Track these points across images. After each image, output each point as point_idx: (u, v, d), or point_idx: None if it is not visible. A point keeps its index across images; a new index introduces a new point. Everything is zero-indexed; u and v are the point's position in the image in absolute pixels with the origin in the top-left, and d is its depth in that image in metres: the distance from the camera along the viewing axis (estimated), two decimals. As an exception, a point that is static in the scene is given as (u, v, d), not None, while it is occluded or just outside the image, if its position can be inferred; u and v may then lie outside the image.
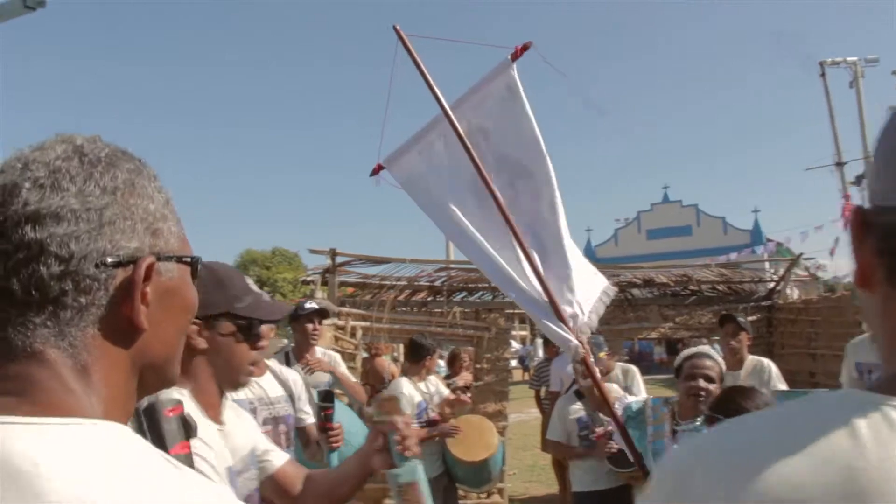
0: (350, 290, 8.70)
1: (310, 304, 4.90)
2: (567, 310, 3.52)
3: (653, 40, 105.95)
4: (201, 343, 1.82)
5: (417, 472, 1.97)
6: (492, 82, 3.92)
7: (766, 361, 5.40)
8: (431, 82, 3.86)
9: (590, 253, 40.59)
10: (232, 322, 1.85)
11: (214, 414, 1.86)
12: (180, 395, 1.75)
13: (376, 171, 4.06)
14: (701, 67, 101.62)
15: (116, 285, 0.78)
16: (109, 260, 0.77)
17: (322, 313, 4.91)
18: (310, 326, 4.83)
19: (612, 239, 43.50)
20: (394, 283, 8.52)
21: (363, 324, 7.97)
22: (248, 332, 1.88)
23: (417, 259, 8.62)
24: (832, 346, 8.27)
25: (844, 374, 4.74)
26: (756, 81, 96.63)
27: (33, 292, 0.76)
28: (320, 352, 5.08)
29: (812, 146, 69.40)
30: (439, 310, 8.53)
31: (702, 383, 3.39)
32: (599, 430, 4.71)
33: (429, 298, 8.77)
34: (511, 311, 8.67)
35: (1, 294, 0.76)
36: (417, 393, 5.67)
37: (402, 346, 9.55)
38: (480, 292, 8.92)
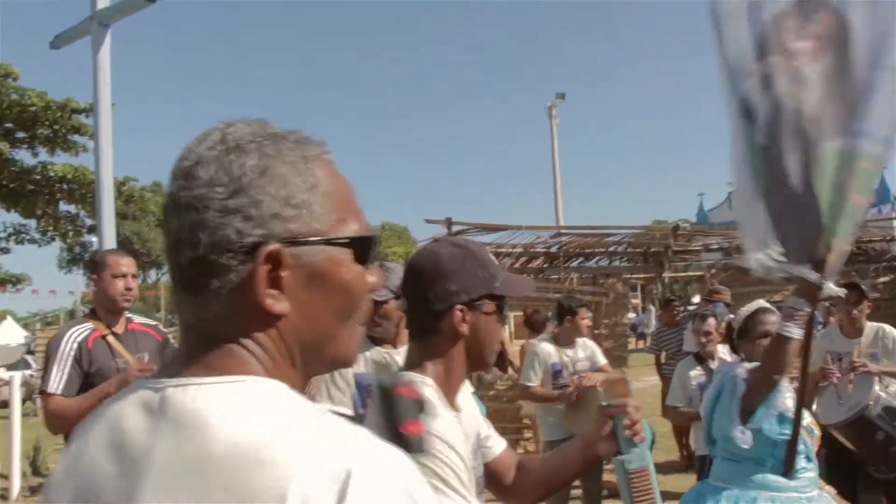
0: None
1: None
2: None
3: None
4: (465, 329, 1.71)
5: (647, 458, 1.83)
6: None
7: (888, 328, 5.29)
8: None
9: (702, 217, 39.40)
10: (492, 301, 1.77)
11: (453, 400, 1.75)
12: (423, 384, 1.68)
13: None
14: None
15: (248, 270, 0.81)
16: (234, 247, 0.81)
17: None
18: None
19: (725, 202, 42.02)
20: (510, 250, 8.54)
21: (479, 292, 8.01)
22: (503, 310, 1.82)
23: (533, 226, 8.59)
24: (977, 308, 7.84)
25: None
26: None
27: (178, 275, 0.84)
28: None
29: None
30: (556, 276, 8.50)
31: None
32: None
33: (545, 265, 8.74)
34: (628, 276, 8.59)
35: (171, 274, 0.86)
36: (555, 354, 5.61)
37: (514, 315, 9.56)
38: (597, 258, 8.85)
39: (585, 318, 5.74)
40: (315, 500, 0.68)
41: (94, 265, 3.57)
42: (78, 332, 3.42)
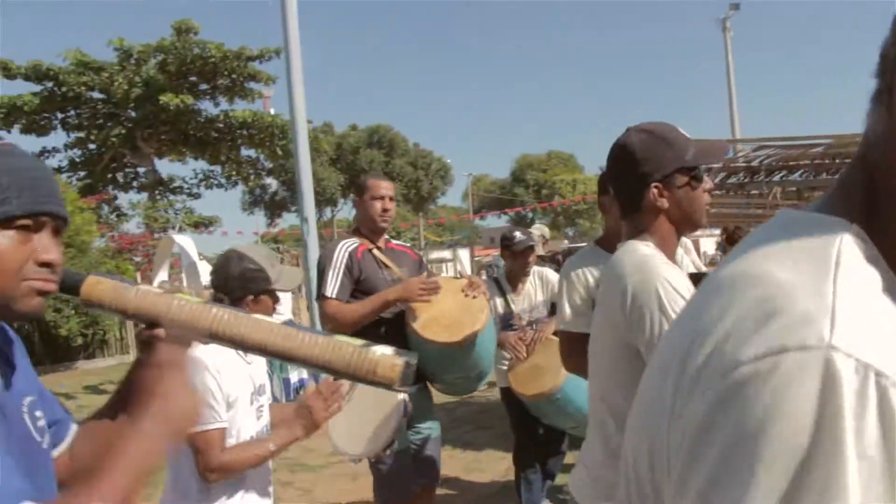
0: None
1: (520, 238, 4.75)
2: None
3: None
4: (664, 204, 1.93)
5: None
6: None
7: None
8: None
9: None
10: (685, 174, 1.94)
11: (672, 260, 1.98)
12: (647, 247, 1.92)
13: None
14: None
15: None
16: None
17: (533, 248, 4.80)
18: (527, 259, 4.75)
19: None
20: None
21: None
22: (699, 177, 1.96)
23: (732, 139, 8.22)
24: None
25: None
26: None
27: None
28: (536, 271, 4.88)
29: None
30: (757, 191, 8.13)
31: None
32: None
33: (745, 179, 8.33)
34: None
35: None
36: None
37: (718, 232, 9.27)
38: (801, 171, 8.34)
39: None
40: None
41: (358, 188, 3.83)
42: (349, 244, 3.65)
